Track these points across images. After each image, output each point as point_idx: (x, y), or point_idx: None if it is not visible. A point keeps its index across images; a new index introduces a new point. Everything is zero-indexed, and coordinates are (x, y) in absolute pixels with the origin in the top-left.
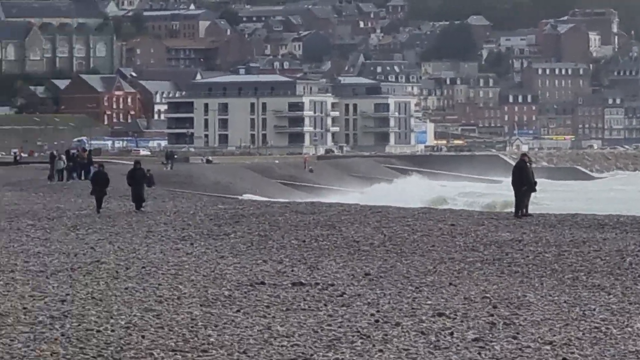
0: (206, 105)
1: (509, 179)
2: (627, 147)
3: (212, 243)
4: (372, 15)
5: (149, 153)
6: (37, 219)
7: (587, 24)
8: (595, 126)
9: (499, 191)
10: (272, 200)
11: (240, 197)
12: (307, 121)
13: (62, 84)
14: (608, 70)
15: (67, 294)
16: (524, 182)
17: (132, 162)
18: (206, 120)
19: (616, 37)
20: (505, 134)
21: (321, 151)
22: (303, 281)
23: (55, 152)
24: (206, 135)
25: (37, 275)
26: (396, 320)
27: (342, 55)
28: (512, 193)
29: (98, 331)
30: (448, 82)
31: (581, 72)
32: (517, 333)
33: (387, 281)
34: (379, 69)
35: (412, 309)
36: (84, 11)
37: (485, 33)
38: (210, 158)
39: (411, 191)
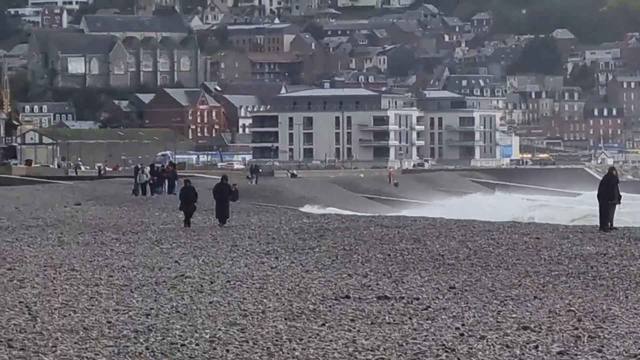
0: (291, 119)
1: (591, 192)
2: None
3: (297, 257)
4: (457, 29)
5: (242, 167)
6: (122, 232)
7: None
8: None
9: (576, 205)
10: (357, 214)
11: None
12: (392, 135)
13: (146, 98)
14: None
15: (152, 308)
16: (611, 196)
17: (217, 176)
18: (291, 134)
19: None
20: (590, 147)
21: (406, 165)
22: (388, 295)
23: (139, 166)
24: (291, 149)
25: (121, 289)
26: (481, 333)
27: (427, 69)
28: (588, 205)
29: (182, 345)
30: (533, 95)
31: None
32: (602, 346)
33: (472, 295)
34: (464, 83)
35: (497, 322)
36: (168, 25)
37: (570, 46)
38: (295, 172)
39: (492, 204)
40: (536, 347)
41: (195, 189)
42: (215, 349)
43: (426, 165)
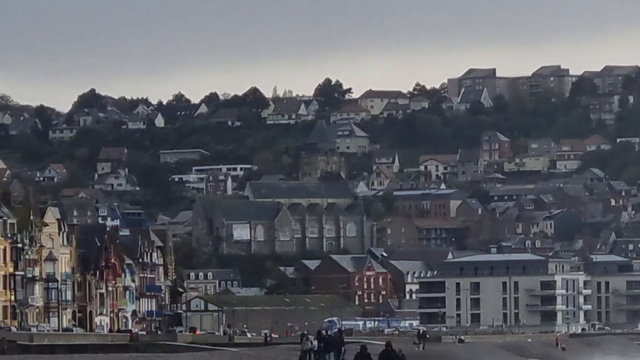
0: (458, 284)
1: None
2: None
3: None
4: (623, 193)
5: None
6: None
7: None
8: None
9: None
10: None
11: None
12: (559, 299)
13: (312, 264)
14: None
15: None
16: None
17: (384, 342)
18: (458, 300)
19: None
20: None
21: (573, 329)
22: None
23: (305, 332)
24: (458, 315)
25: None
26: None
27: (594, 233)
28: None
29: None
30: None
31: None
32: None
33: None
34: (630, 247)
35: None
36: (333, 191)
37: None
38: (462, 337)
39: None
40: None
41: (371, 355)
42: None
43: (607, 329)
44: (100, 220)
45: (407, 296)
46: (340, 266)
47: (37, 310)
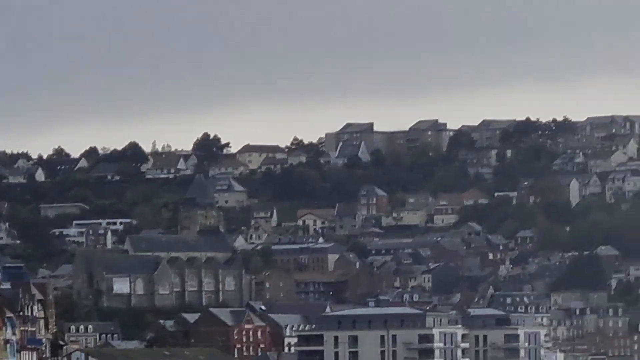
0: (336, 338)
1: None
2: None
3: None
4: (501, 247)
5: None
6: None
7: None
8: None
9: None
10: None
11: None
12: (437, 353)
13: (191, 317)
14: None
15: None
16: None
17: None
18: (336, 353)
19: None
20: None
21: None
22: None
23: None
24: None
25: None
26: None
27: (472, 287)
28: None
29: None
30: (577, 312)
31: None
32: None
33: None
34: (508, 300)
35: None
36: (212, 245)
37: (615, 263)
38: None
39: None
40: None
41: None
42: None
43: None
44: None
45: (286, 349)
46: (220, 319)
47: None
